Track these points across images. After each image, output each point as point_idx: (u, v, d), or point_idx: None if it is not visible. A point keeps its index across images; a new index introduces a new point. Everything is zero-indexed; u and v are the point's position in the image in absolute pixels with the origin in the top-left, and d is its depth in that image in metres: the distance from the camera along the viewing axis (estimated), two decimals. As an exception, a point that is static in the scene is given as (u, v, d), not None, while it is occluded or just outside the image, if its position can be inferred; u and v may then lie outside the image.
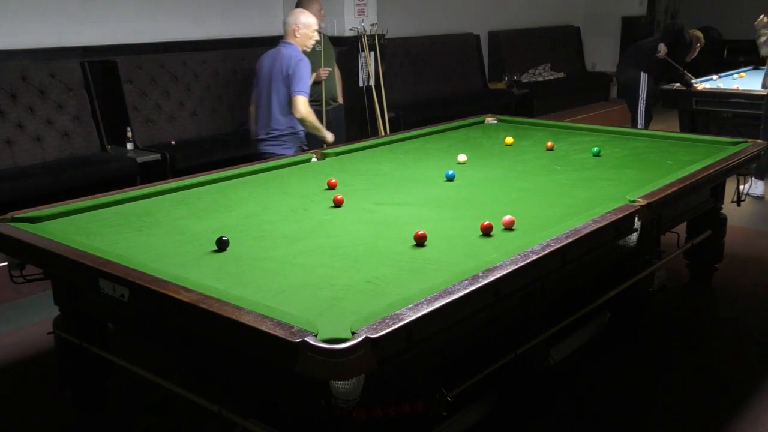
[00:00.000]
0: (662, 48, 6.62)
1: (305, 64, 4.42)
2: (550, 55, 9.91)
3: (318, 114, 5.55)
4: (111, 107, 5.69)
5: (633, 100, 6.88)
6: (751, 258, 4.67)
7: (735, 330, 3.72)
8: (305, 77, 4.40)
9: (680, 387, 3.15)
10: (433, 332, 1.95)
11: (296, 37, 4.50)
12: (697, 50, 6.86)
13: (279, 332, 1.75)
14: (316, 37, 4.66)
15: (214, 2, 6.51)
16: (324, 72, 5.47)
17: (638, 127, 6.69)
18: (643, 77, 6.75)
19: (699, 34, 6.91)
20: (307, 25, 4.48)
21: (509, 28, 9.44)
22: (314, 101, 5.60)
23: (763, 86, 6.06)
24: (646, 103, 6.80)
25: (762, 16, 6.12)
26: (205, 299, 1.96)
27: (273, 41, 6.62)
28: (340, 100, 5.92)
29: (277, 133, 4.53)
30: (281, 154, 4.32)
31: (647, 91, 6.78)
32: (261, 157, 4.42)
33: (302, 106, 4.36)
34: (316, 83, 5.56)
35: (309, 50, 4.59)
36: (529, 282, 2.32)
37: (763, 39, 5.99)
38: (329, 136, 4.61)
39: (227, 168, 3.59)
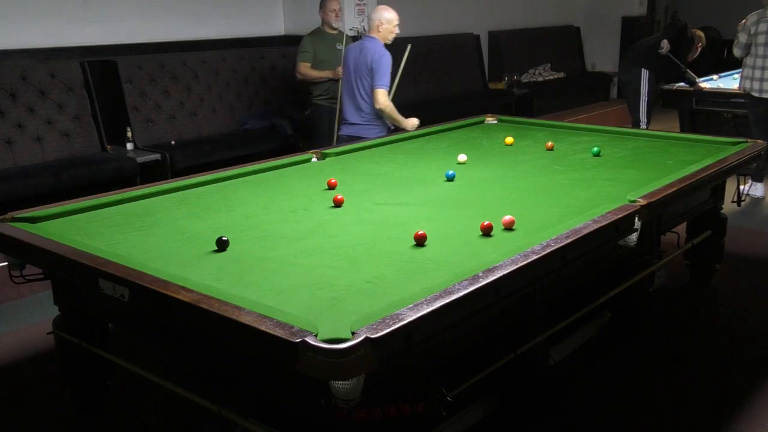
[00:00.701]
0: (665, 44, 6.60)
1: (387, 59, 4.73)
2: (550, 55, 9.91)
3: (331, 112, 5.58)
4: (111, 107, 5.69)
5: (635, 98, 6.87)
6: (751, 258, 4.67)
7: (735, 330, 3.72)
8: (387, 71, 4.73)
9: (680, 387, 3.15)
10: (433, 332, 1.95)
11: (379, 31, 4.80)
12: (699, 49, 6.84)
13: (279, 332, 1.75)
14: (397, 31, 4.91)
15: (214, 2, 6.52)
16: (342, 70, 5.51)
17: (640, 126, 6.68)
18: (644, 74, 6.72)
19: (701, 33, 6.90)
20: (389, 20, 4.82)
21: (509, 28, 9.44)
22: (330, 98, 5.65)
23: (740, 87, 6.06)
24: (648, 101, 6.78)
25: (743, 20, 6.11)
26: (205, 299, 1.97)
27: (273, 41, 6.67)
28: None
29: (368, 117, 4.84)
30: (373, 137, 4.68)
31: (648, 88, 6.76)
32: (352, 139, 4.70)
33: (382, 97, 4.71)
34: (333, 81, 5.59)
35: (390, 43, 4.88)
36: (529, 282, 2.32)
37: (735, 41, 6.00)
38: (409, 125, 4.83)
39: (227, 168, 3.59)
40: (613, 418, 2.92)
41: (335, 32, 5.73)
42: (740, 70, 7.05)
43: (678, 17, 7.26)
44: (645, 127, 6.68)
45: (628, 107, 7.08)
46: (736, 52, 6.00)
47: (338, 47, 5.62)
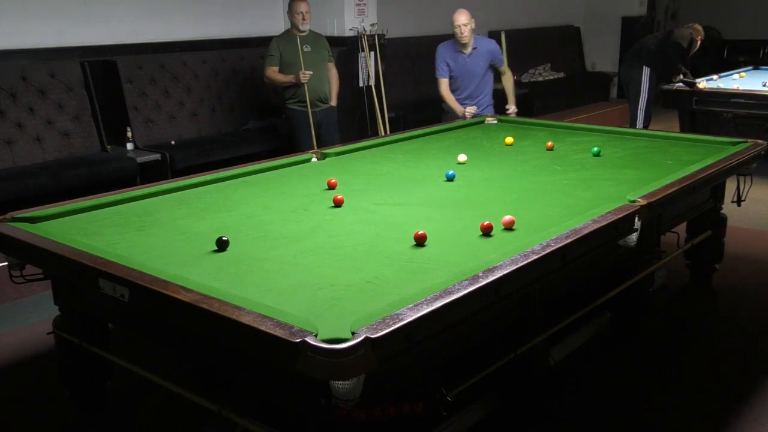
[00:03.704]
0: (679, 79, 6.72)
1: (437, 52, 5.61)
2: (550, 55, 9.91)
3: (303, 115, 5.59)
4: (111, 107, 5.69)
5: (634, 97, 6.86)
6: (751, 258, 4.67)
7: (735, 330, 3.72)
8: (436, 63, 5.60)
9: (680, 387, 3.15)
10: (433, 332, 1.95)
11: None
12: (699, 43, 6.85)
13: (279, 332, 1.75)
14: (458, 32, 5.40)
15: (214, 2, 6.51)
16: (304, 75, 5.49)
17: (637, 126, 6.67)
18: (646, 72, 6.73)
19: (698, 26, 6.90)
20: (451, 21, 5.46)
21: (509, 28, 9.42)
22: (299, 102, 5.63)
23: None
24: (647, 100, 6.77)
25: None
26: (205, 299, 1.97)
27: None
28: (333, 102, 5.92)
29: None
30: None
31: (649, 86, 6.75)
32: None
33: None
34: (298, 86, 5.56)
35: (463, 42, 5.49)
36: (529, 282, 2.32)
37: None
38: (458, 110, 5.53)
39: (227, 168, 3.59)
40: (613, 418, 2.92)
41: (304, 34, 5.66)
42: (739, 70, 7.06)
43: (676, 36, 7.05)
44: (642, 126, 6.67)
45: (629, 106, 7.08)
46: None
47: (305, 49, 5.58)
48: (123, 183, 4.85)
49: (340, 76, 6.01)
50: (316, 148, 5.22)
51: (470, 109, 5.51)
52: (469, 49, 5.53)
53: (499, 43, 5.80)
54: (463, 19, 5.42)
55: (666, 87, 6.85)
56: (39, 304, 3.96)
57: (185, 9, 6.31)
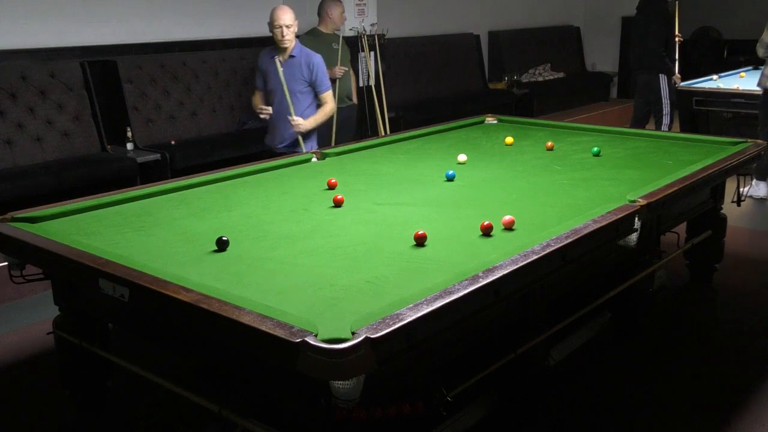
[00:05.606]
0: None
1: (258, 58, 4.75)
2: (550, 55, 9.91)
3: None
4: (111, 107, 5.69)
5: (656, 101, 6.86)
6: (751, 258, 4.67)
7: (735, 330, 3.72)
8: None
9: (680, 387, 3.15)
10: (433, 332, 1.95)
11: None
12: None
13: (279, 332, 1.75)
14: (278, 33, 4.48)
15: (214, 2, 6.51)
16: (340, 70, 5.60)
17: (662, 129, 6.70)
18: (662, 79, 6.76)
19: None
20: (270, 21, 4.53)
21: (509, 28, 9.44)
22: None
23: (759, 85, 6.02)
24: (670, 101, 6.79)
25: None
26: (205, 299, 1.97)
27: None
28: (355, 99, 6.07)
29: None
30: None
31: (669, 90, 6.77)
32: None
33: None
34: (332, 81, 5.61)
35: (283, 47, 4.52)
36: (529, 282, 2.32)
37: (760, 41, 5.97)
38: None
39: (227, 168, 3.59)
40: (613, 418, 2.92)
41: (330, 33, 5.76)
42: (740, 70, 7.06)
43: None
44: (667, 129, 6.70)
45: (641, 109, 7.06)
46: (760, 51, 5.96)
47: (334, 46, 5.67)
48: (123, 183, 4.85)
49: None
50: (333, 144, 5.23)
51: (265, 113, 4.62)
52: (285, 56, 4.53)
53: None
54: (286, 19, 4.43)
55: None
56: (39, 304, 3.96)
57: (185, 9, 6.30)
